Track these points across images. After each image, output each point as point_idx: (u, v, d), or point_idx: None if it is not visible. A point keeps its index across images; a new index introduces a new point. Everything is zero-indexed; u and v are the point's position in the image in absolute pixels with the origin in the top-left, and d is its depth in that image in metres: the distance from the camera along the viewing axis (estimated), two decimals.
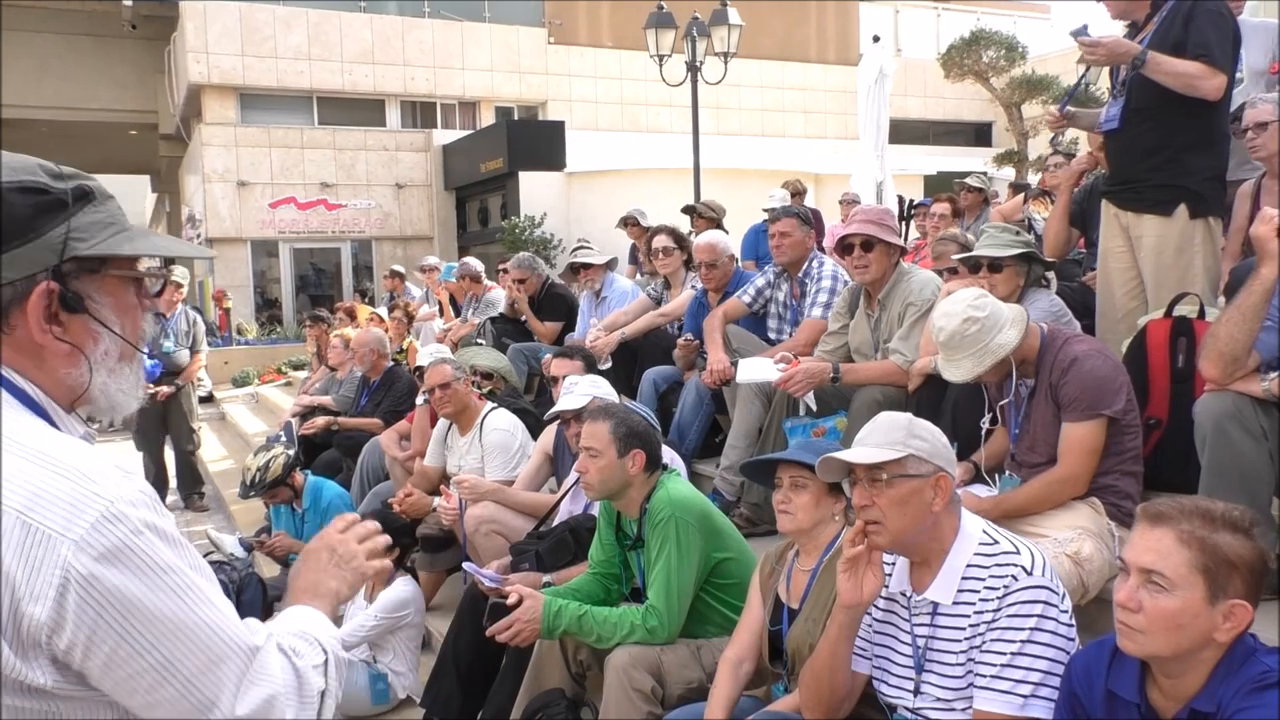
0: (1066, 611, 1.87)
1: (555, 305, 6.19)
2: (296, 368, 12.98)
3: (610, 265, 6.01)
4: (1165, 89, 3.13)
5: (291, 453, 4.77)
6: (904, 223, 8.17)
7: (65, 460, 1.02)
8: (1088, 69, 3.58)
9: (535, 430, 4.48)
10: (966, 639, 1.90)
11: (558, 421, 3.89)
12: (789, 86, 22.01)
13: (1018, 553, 1.92)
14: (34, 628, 0.97)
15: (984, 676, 1.85)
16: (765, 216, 6.80)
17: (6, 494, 0.98)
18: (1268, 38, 4.06)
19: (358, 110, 18.96)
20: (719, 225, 6.74)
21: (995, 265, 3.30)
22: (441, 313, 8.08)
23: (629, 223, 8.09)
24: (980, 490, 2.76)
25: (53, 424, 1.11)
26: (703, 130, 12.37)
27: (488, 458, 4.28)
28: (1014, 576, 1.87)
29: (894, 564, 2.08)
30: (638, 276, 7.28)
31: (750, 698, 2.48)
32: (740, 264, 5.41)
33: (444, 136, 18.62)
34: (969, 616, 1.90)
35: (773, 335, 4.40)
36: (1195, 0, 3.13)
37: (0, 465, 1.00)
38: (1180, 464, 2.66)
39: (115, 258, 1.16)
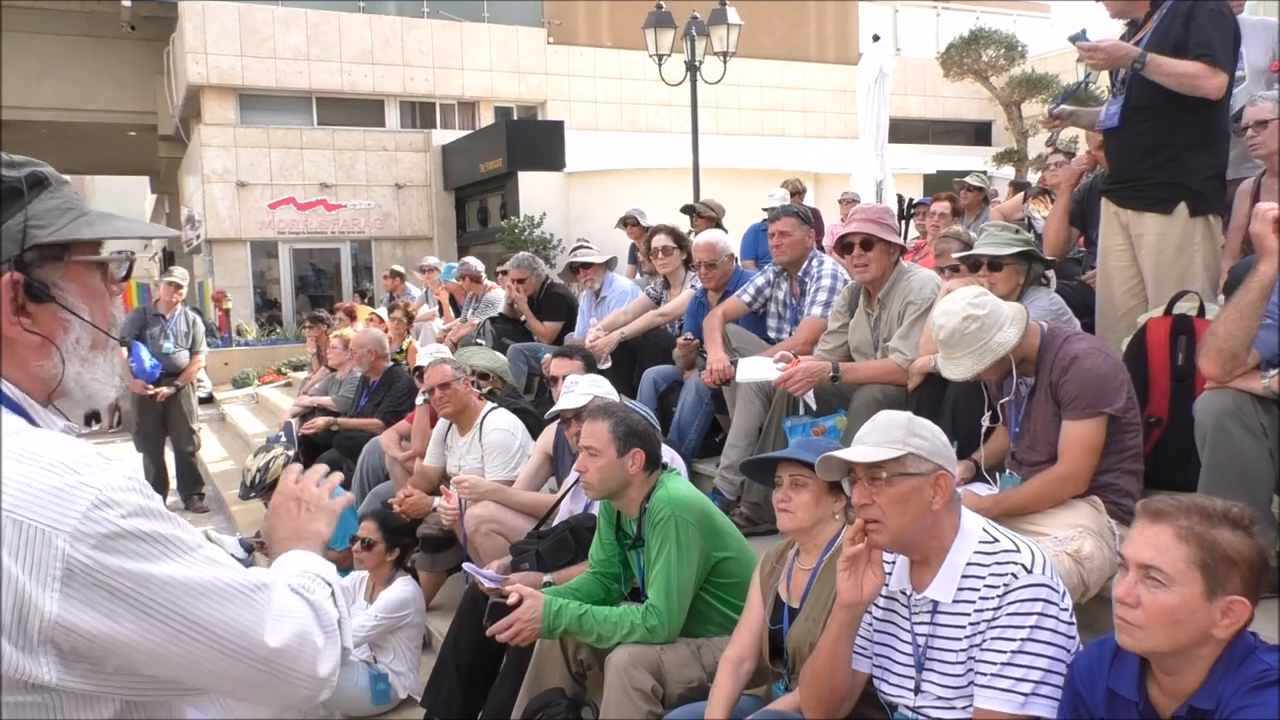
0: (1067, 610, 1.87)
1: (555, 305, 6.19)
2: (296, 368, 12.98)
3: (610, 265, 6.01)
4: (1165, 87, 3.13)
5: (291, 453, 4.76)
6: (904, 222, 8.18)
7: (48, 454, 1.01)
8: (1089, 72, 3.58)
9: (535, 430, 4.48)
10: (967, 637, 1.90)
11: (558, 421, 3.89)
12: (788, 86, 22.00)
13: (1018, 551, 1.92)
14: (46, 623, 0.97)
15: (984, 675, 1.85)
16: (765, 216, 6.79)
17: None
18: (1268, 36, 4.06)
19: (357, 110, 18.96)
20: (718, 225, 6.73)
21: (995, 264, 3.30)
22: (441, 313, 8.08)
23: (628, 222, 8.08)
24: (980, 489, 2.76)
25: (30, 420, 1.10)
26: (702, 130, 12.36)
27: (488, 457, 4.28)
28: (1014, 575, 1.87)
29: (894, 562, 2.07)
30: (637, 276, 7.27)
31: (751, 697, 2.48)
32: (740, 263, 5.41)
33: (443, 137, 18.61)
34: (969, 615, 1.90)
35: (772, 334, 4.40)
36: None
37: None
38: (1180, 462, 2.67)
39: (77, 243, 1.15)
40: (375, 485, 5.33)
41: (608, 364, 4.79)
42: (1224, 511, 1.55)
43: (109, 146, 23.88)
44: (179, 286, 7.51)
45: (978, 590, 1.90)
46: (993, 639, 1.86)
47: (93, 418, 10.85)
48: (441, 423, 4.65)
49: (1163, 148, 3.24)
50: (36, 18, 18.79)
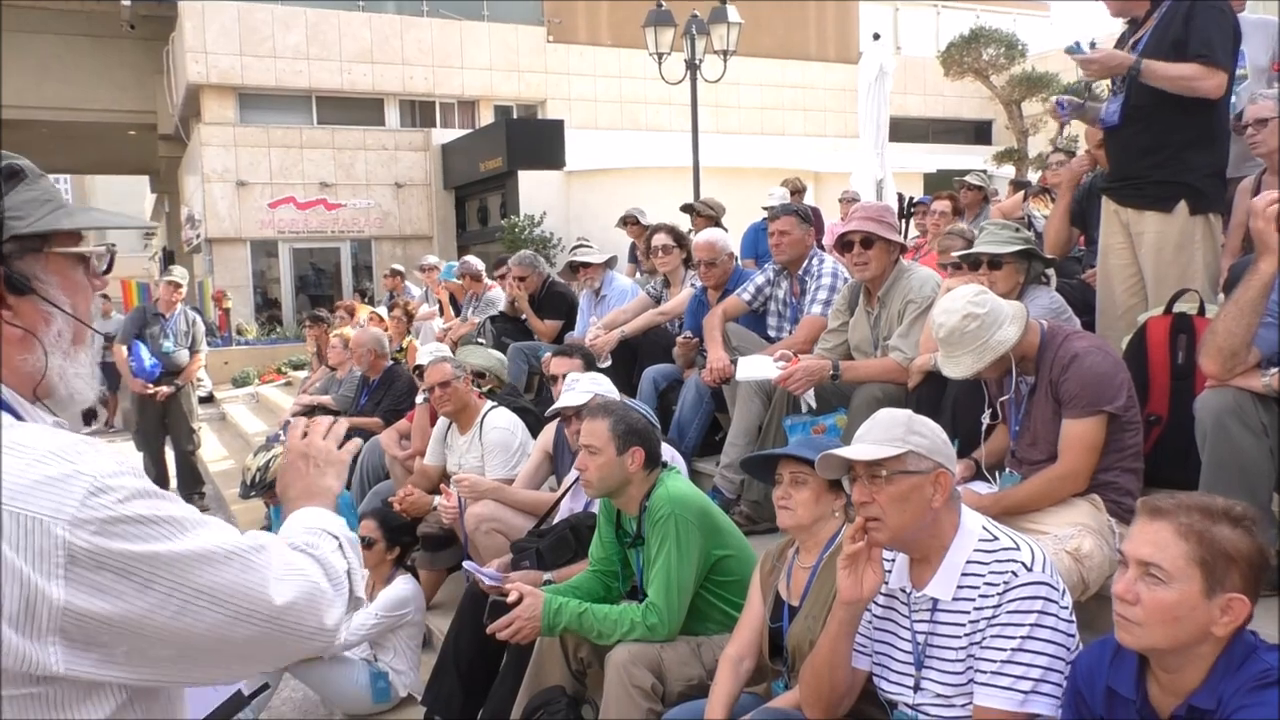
0: (1067, 608, 1.87)
1: (556, 303, 6.19)
2: (296, 368, 12.98)
3: (610, 264, 6.01)
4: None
5: None
6: (904, 220, 8.18)
7: (39, 445, 1.01)
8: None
9: (535, 428, 4.48)
10: (966, 635, 1.90)
11: (557, 419, 3.89)
12: (788, 84, 21.99)
13: (1018, 549, 1.92)
14: (53, 612, 0.97)
15: (984, 673, 1.85)
16: (765, 215, 6.79)
17: None
18: (1268, 34, 4.06)
19: (356, 110, 18.96)
20: (718, 223, 6.73)
21: (995, 262, 3.30)
22: (441, 312, 8.08)
23: (628, 221, 8.09)
24: (980, 487, 2.77)
25: (18, 417, 1.10)
26: (702, 128, 12.36)
27: (488, 456, 4.29)
28: (1014, 573, 1.87)
29: (894, 560, 2.08)
30: (637, 275, 7.28)
31: (751, 694, 2.48)
32: (740, 262, 5.41)
33: (443, 136, 18.61)
34: (969, 613, 1.90)
35: (772, 333, 4.40)
36: None
37: None
38: (1180, 460, 2.66)
39: (56, 234, 1.14)
40: (375, 484, 5.33)
41: (607, 363, 4.79)
42: (1224, 509, 1.55)
43: (109, 146, 23.89)
44: (178, 286, 7.51)
45: (977, 588, 1.91)
46: (992, 637, 1.86)
47: (90, 416, 10.86)
48: (441, 421, 4.65)
49: (1162, 146, 3.24)
50: (36, 17, 18.80)
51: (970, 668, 1.89)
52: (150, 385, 7.26)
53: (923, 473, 1.93)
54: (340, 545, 1.26)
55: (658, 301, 5.22)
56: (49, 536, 0.97)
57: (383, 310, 9.14)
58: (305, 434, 1.44)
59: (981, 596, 1.89)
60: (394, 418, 5.67)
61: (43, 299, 1.13)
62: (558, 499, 3.75)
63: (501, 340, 6.24)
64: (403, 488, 4.48)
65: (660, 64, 11.94)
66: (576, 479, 3.40)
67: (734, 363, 3.83)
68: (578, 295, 6.16)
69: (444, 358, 4.62)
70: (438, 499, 4.17)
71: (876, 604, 2.09)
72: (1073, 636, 1.86)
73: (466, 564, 3.32)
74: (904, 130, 18.67)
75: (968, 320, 2.60)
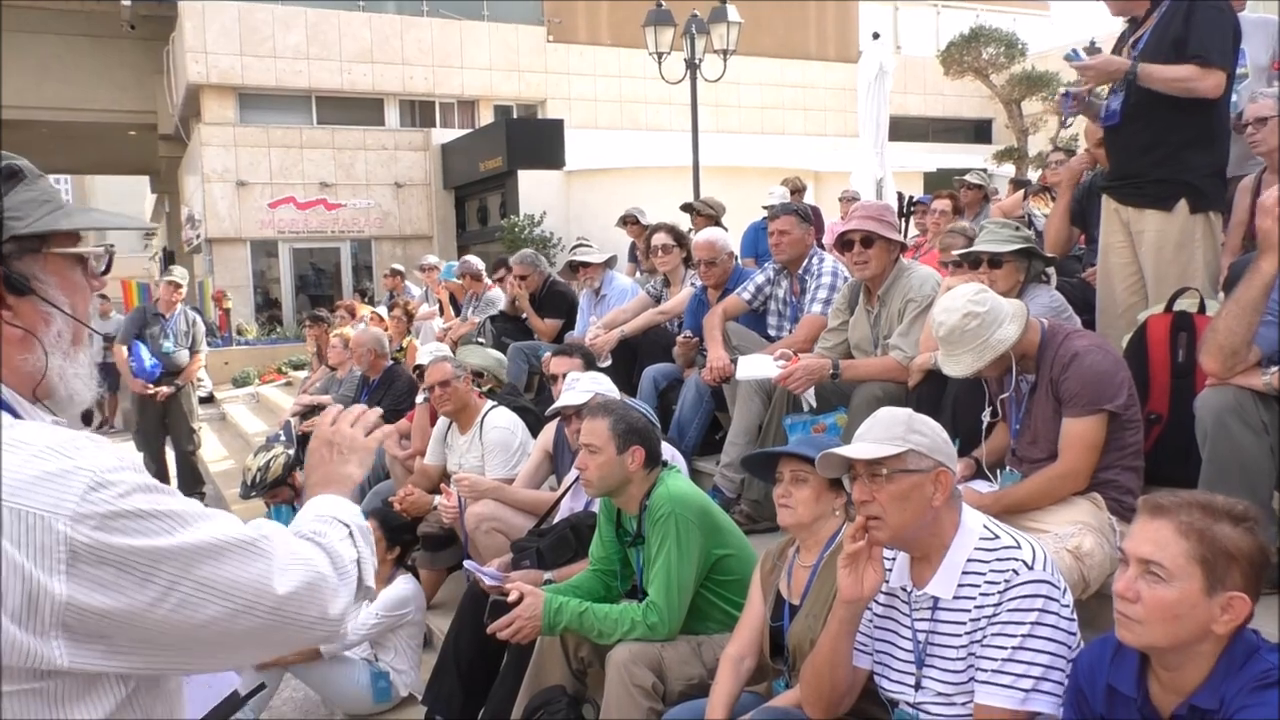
0: (1068, 606, 1.87)
1: (556, 303, 6.20)
2: (297, 367, 12.98)
3: (609, 263, 6.01)
4: None
5: (291, 452, 4.77)
6: (903, 219, 8.17)
7: (38, 441, 1.02)
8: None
9: (535, 428, 4.48)
10: (967, 634, 1.90)
11: (558, 419, 3.89)
12: (788, 84, 21.99)
13: (1018, 547, 1.92)
14: (56, 607, 0.97)
15: (985, 671, 1.85)
16: (765, 214, 6.79)
17: None
18: (1268, 33, 4.06)
19: (356, 109, 18.95)
20: (717, 223, 6.73)
21: (995, 261, 3.30)
22: (441, 312, 8.09)
23: (628, 221, 8.08)
24: (981, 485, 2.76)
25: (17, 416, 1.10)
26: (702, 128, 12.35)
27: (488, 456, 4.29)
28: (1015, 571, 1.87)
29: (894, 559, 2.07)
30: (637, 274, 7.28)
31: (751, 694, 2.48)
32: (740, 261, 5.41)
33: (443, 135, 18.60)
34: (969, 611, 1.90)
35: (773, 332, 4.40)
36: None
37: None
38: (1181, 459, 2.66)
39: (55, 234, 1.15)
40: (375, 484, 5.33)
41: (607, 362, 4.79)
42: (1225, 507, 1.55)
43: (109, 146, 23.89)
44: (178, 286, 7.51)
45: (978, 587, 1.90)
46: (993, 635, 1.86)
47: (88, 417, 10.86)
48: (442, 421, 4.65)
49: (1161, 145, 3.24)
50: (36, 18, 18.79)
51: (971, 666, 1.89)
52: (150, 385, 7.26)
53: (923, 471, 1.92)
54: (351, 533, 1.25)
55: (658, 301, 5.22)
56: (50, 532, 0.97)
57: (383, 310, 9.14)
58: (335, 421, 1.44)
59: (982, 595, 1.89)
60: (394, 418, 5.66)
61: (42, 299, 1.13)
62: (558, 498, 3.75)
63: (501, 340, 6.24)
64: (403, 487, 4.48)
65: (660, 63, 11.94)
66: (577, 478, 3.40)
67: (734, 362, 3.83)
68: (578, 295, 6.16)
69: (444, 357, 4.62)
70: (438, 499, 4.17)
71: (877, 603, 2.09)
72: (1074, 635, 1.86)
73: (467, 563, 3.32)
74: (904, 129, 18.66)
75: (968, 319, 2.60)
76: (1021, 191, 7.35)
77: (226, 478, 8.24)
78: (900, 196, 9.09)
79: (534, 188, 15.65)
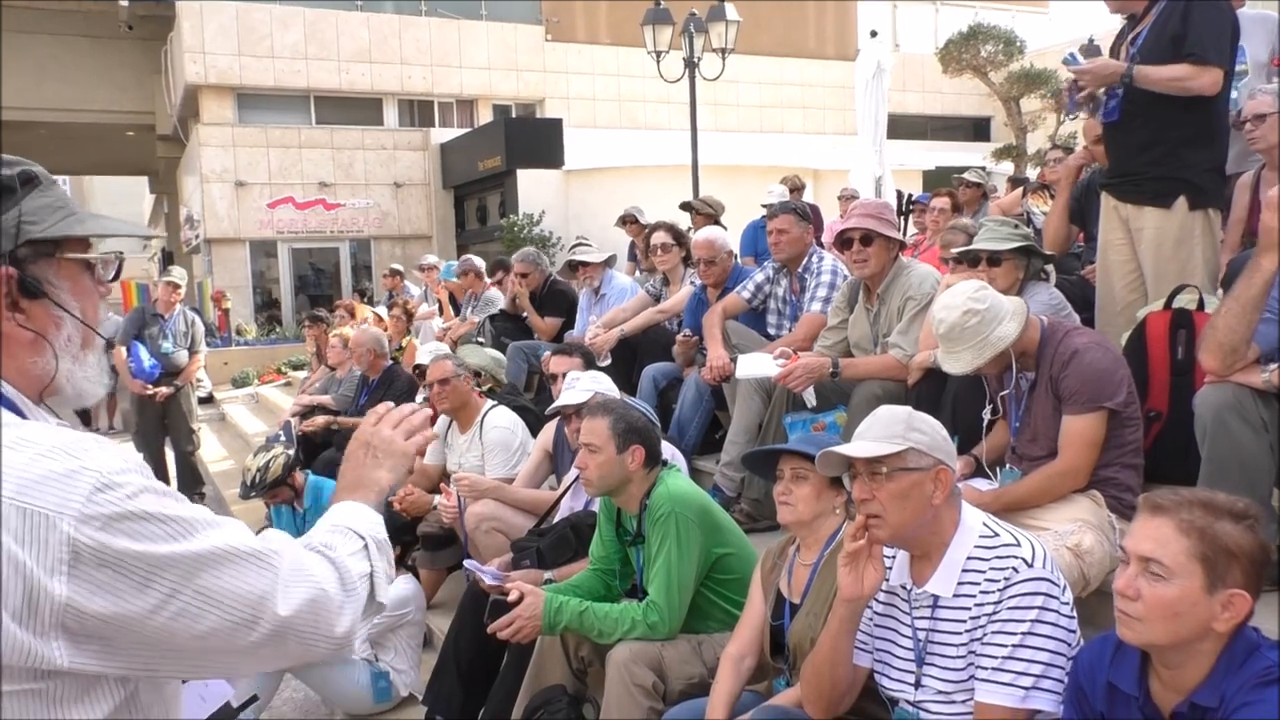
0: (1068, 604, 1.87)
1: (556, 301, 6.20)
2: (296, 368, 12.97)
3: (609, 262, 6.01)
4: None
5: (291, 452, 4.76)
6: (902, 218, 8.18)
7: (46, 441, 1.02)
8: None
9: (535, 428, 4.47)
10: (967, 631, 1.90)
11: (557, 418, 3.89)
12: (787, 82, 21.98)
13: (1018, 545, 1.92)
14: (56, 607, 0.97)
15: (985, 669, 1.85)
16: (764, 212, 6.79)
17: None
18: (1268, 29, 4.06)
19: (355, 109, 18.94)
20: (717, 221, 6.73)
21: (994, 259, 3.30)
22: (441, 311, 8.08)
23: (627, 221, 8.08)
24: (981, 483, 2.76)
25: (22, 416, 1.10)
26: (701, 127, 12.35)
27: (488, 455, 4.28)
28: (1015, 569, 1.87)
29: (894, 557, 2.07)
30: (636, 273, 7.28)
31: (752, 692, 2.48)
32: (739, 260, 5.41)
33: (442, 135, 18.59)
34: (969, 609, 1.90)
35: (772, 331, 4.40)
36: None
37: None
38: (1180, 456, 2.66)
39: (69, 239, 1.16)
40: None
41: (607, 361, 4.78)
42: (1226, 505, 1.55)
43: (108, 147, 23.87)
44: (177, 286, 7.51)
45: (978, 585, 1.90)
46: (993, 633, 1.86)
47: (85, 418, 10.86)
48: (441, 420, 4.65)
49: (1159, 143, 3.24)
50: (34, 18, 18.78)
51: (971, 664, 1.89)
52: (149, 386, 7.26)
53: (923, 469, 1.92)
54: (366, 546, 1.23)
55: (657, 300, 5.22)
56: (54, 531, 0.97)
57: (382, 310, 9.14)
58: (379, 421, 1.41)
59: (982, 593, 1.89)
60: None
61: (54, 303, 1.15)
62: (558, 498, 3.75)
63: (500, 340, 6.24)
64: (402, 487, 4.47)
65: (659, 62, 11.94)
66: (576, 477, 3.40)
67: (733, 360, 3.83)
68: (578, 294, 6.16)
69: (445, 355, 4.62)
70: (438, 498, 4.17)
71: (877, 601, 2.09)
72: (1074, 632, 1.86)
73: (467, 563, 3.32)
74: (903, 127, 18.65)
75: (968, 316, 2.60)
76: (1020, 189, 7.35)
77: (226, 478, 8.24)
78: (899, 195, 9.09)
79: (533, 187, 15.65)
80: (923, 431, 1.95)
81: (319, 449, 6.15)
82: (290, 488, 4.74)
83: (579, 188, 15.67)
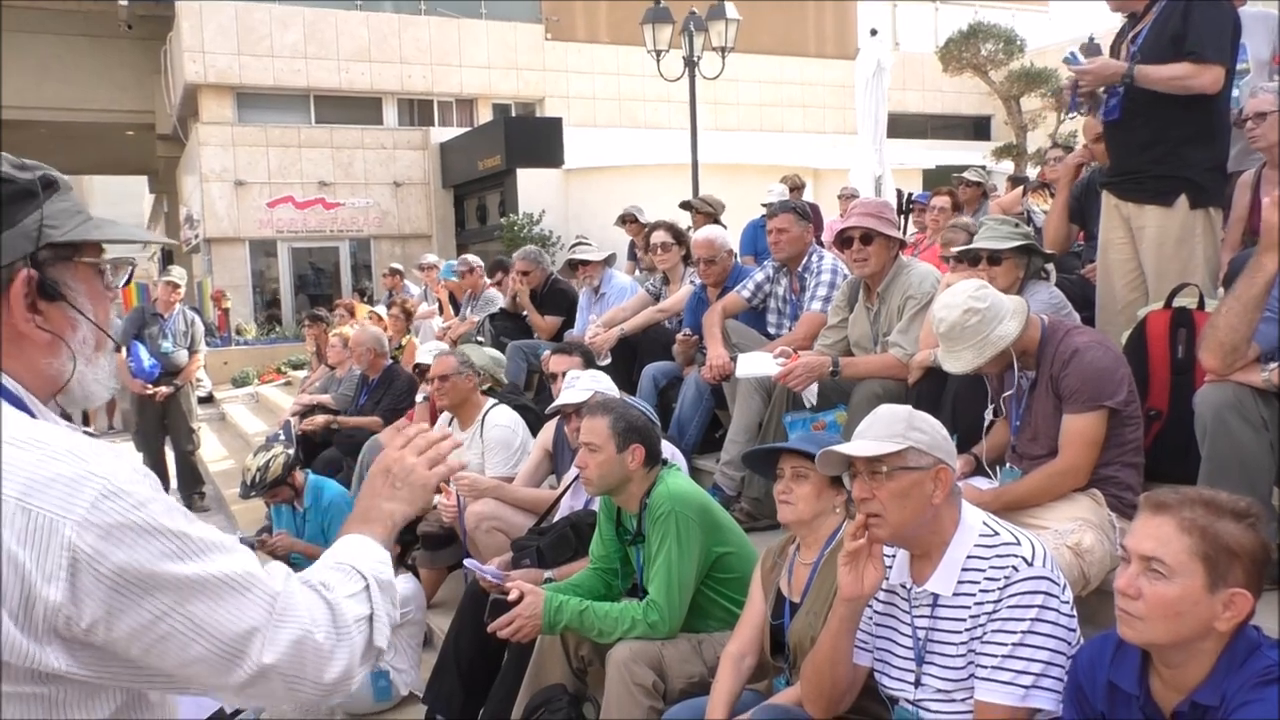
0: (1068, 602, 1.87)
1: (557, 300, 6.20)
2: (296, 367, 12.97)
3: (609, 261, 6.01)
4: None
5: (291, 452, 4.76)
6: (902, 217, 8.17)
7: (56, 444, 1.02)
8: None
9: (535, 427, 4.47)
10: (967, 630, 1.90)
11: (557, 417, 3.89)
12: (787, 81, 21.97)
13: (1018, 544, 1.92)
14: (50, 611, 0.97)
15: (985, 668, 1.85)
16: (764, 211, 6.79)
17: (4, 483, 0.98)
18: (1269, 27, 4.05)
19: (355, 109, 18.94)
20: (716, 220, 6.73)
21: (995, 258, 3.30)
22: (441, 311, 8.08)
23: (627, 220, 8.08)
24: (981, 482, 2.76)
25: (31, 416, 1.11)
26: (701, 126, 12.34)
27: (488, 453, 4.28)
28: (1015, 567, 1.87)
29: (894, 556, 2.07)
30: (636, 272, 7.28)
31: (752, 691, 2.48)
32: (739, 259, 5.40)
33: (441, 134, 18.59)
34: (969, 608, 1.90)
35: (772, 330, 4.40)
36: None
37: None
38: (1180, 455, 2.66)
39: (87, 244, 1.17)
40: None
41: (607, 360, 4.78)
42: (1228, 504, 1.55)
43: (107, 146, 23.87)
44: (177, 286, 7.51)
45: (978, 583, 1.90)
46: (993, 632, 1.86)
47: (84, 418, 10.88)
48: (443, 418, 4.65)
49: (1160, 142, 3.24)
50: (34, 17, 18.78)
51: (971, 663, 1.89)
52: (149, 386, 7.26)
53: (923, 469, 1.92)
54: (367, 587, 1.18)
55: (657, 299, 5.21)
56: (55, 535, 0.97)
57: (381, 309, 9.13)
58: (406, 443, 1.35)
59: (982, 592, 1.89)
60: (394, 416, 5.67)
61: (71, 306, 1.16)
62: (558, 497, 3.74)
63: (500, 339, 6.23)
64: None
65: (658, 61, 11.93)
66: (576, 477, 3.40)
67: (733, 360, 3.83)
68: (578, 293, 6.16)
69: (450, 352, 4.62)
70: (438, 498, 4.16)
71: (877, 600, 2.09)
72: (1074, 631, 1.85)
73: (467, 562, 3.32)
74: (903, 126, 18.66)
75: (968, 315, 2.60)
76: (1020, 188, 7.35)
77: (226, 477, 8.24)
78: (899, 193, 9.09)
79: (533, 186, 15.65)
80: (923, 430, 1.95)
81: (319, 448, 6.14)
82: (290, 487, 4.73)
83: (579, 187, 15.67)
